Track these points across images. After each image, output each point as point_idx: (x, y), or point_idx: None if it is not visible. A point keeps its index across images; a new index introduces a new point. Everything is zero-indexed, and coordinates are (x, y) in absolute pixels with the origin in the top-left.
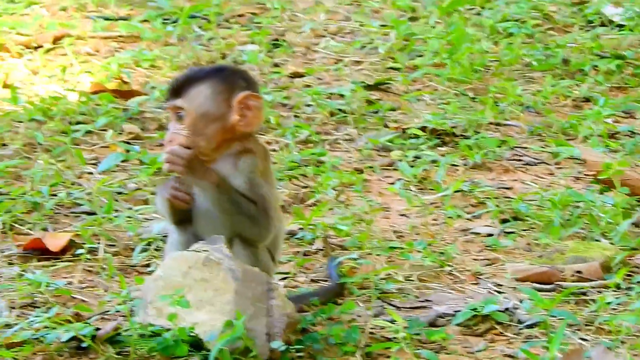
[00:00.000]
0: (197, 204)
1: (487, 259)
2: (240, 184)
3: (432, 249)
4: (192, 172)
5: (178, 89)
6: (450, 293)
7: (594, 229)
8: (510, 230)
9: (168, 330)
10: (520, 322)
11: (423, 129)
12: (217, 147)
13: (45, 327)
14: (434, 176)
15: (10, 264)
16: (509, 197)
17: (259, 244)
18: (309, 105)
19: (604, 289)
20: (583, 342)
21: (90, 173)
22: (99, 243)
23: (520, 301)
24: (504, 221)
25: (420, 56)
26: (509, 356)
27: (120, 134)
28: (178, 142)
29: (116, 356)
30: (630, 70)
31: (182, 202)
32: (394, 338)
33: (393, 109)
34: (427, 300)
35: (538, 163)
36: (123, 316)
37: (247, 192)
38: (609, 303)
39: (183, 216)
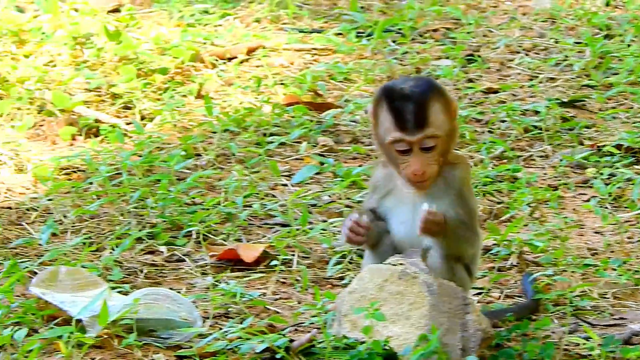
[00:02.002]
0: (399, 215)
1: None
2: (451, 198)
3: (627, 267)
4: (442, 233)
5: (422, 119)
6: None
7: None
8: None
9: (362, 343)
10: None
11: (618, 146)
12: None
13: (239, 337)
14: (629, 194)
15: (204, 274)
16: None
17: (465, 260)
18: (503, 121)
19: None
20: None
21: (285, 185)
22: (293, 255)
23: None
24: None
25: (616, 74)
26: None
27: (314, 146)
28: (430, 172)
29: None
30: None
31: (358, 241)
32: (589, 355)
33: (588, 127)
34: (622, 318)
35: None
36: (317, 328)
37: (458, 206)
38: None
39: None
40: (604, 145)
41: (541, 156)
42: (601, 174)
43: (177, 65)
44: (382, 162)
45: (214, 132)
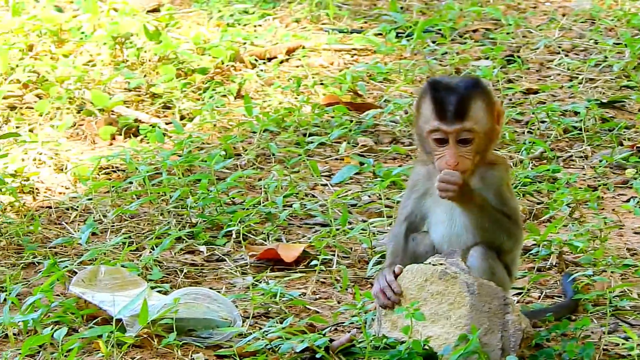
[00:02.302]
0: (438, 215)
1: None
2: (489, 198)
3: None
4: (462, 197)
5: (461, 111)
6: None
7: None
8: None
9: (402, 342)
10: None
11: None
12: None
13: (279, 337)
14: None
15: (244, 273)
16: None
17: (508, 255)
18: (543, 122)
19: None
20: None
21: (324, 185)
22: (332, 255)
23: None
24: None
25: None
26: None
27: (354, 146)
28: (463, 165)
29: None
30: None
31: (387, 301)
32: (628, 355)
33: (627, 127)
34: None
35: None
36: (357, 328)
37: (498, 206)
38: None
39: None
40: None
41: (581, 157)
42: None
43: (217, 65)
44: (422, 160)
45: (254, 132)
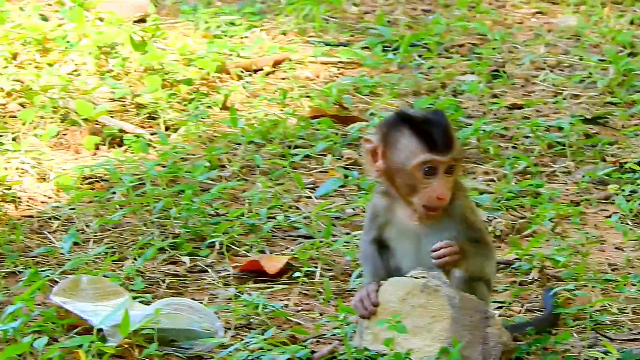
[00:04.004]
0: (404, 246)
1: None
2: (457, 228)
3: None
4: (462, 260)
5: (449, 140)
6: None
7: None
8: None
9: (384, 355)
10: None
11: None
12: None
13: (261, 348)
14: None
15: (226, 284)
16: None
17: (488, 278)
18: (527, 137)
19: None
20: None
21: (309, 197)
22: (315, 267)
23: None
24: None
25: (639, 92)
26: None
27: (339, 159)
28: (449, 196)
29: None
30: None
31: (364, 312)
32: None
33: (610, 143)
34: None
35: None
36: (339, 340)
37: (467, 233)
38: None
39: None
40: (626, 162)
41: (564, 172)
42: (623, 190)
43: (203, 77)
44: (380, 192)
45: (239, 144)
